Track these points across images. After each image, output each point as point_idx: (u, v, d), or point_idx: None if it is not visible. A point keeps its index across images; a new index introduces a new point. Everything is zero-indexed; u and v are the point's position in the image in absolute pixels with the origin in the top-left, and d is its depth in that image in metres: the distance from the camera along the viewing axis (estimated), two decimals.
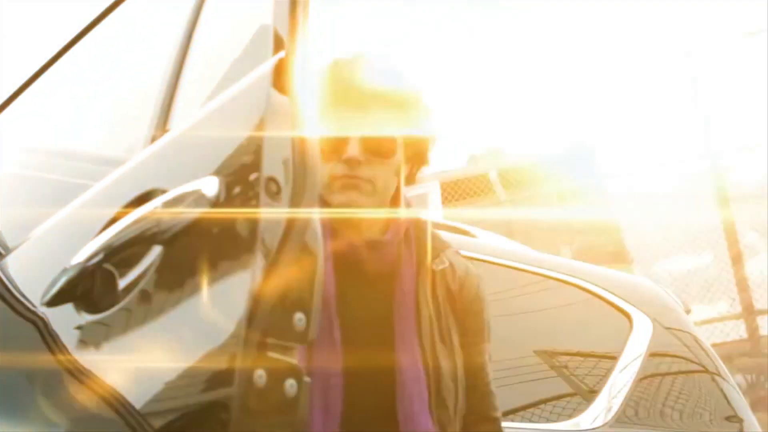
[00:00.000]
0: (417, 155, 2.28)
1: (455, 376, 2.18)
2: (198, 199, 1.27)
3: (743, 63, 10.16)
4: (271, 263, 1.16)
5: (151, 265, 1.33)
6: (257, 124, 1.27)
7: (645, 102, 10.63)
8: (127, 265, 1.37)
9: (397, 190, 2.28)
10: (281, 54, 1.32)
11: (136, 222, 1.36)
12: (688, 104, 9.57)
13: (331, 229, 2.14)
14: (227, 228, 1.27)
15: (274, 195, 1.19)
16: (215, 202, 1.25)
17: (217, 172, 1.30)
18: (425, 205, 8.81)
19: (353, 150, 2.12)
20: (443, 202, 9.87)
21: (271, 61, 1.32)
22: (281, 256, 1.17)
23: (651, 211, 9.86)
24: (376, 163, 2.15)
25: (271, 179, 1.19)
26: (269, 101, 1.27)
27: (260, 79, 1.31)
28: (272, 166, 1.21)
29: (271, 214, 1.18)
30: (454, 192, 10.42)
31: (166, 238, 1.30)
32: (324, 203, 2.17)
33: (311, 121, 1.27)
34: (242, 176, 1.27)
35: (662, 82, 10.43)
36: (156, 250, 1.33)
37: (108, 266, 1.39)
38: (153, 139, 1.70)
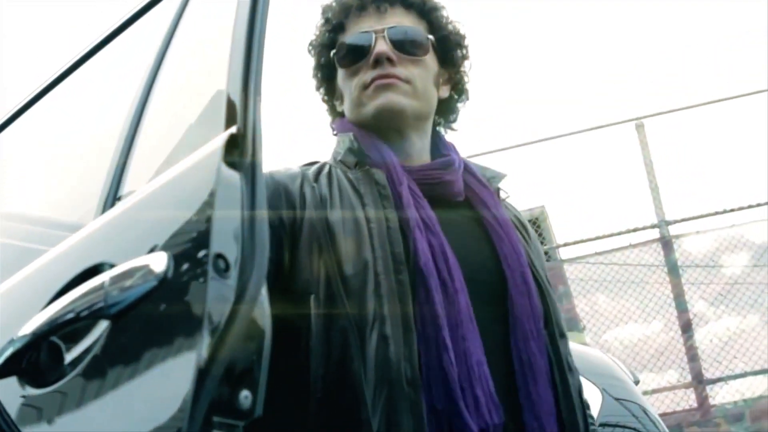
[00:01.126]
0: (452, 74, 2.05)
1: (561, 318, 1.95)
2: (146, 274, 1.27)
3: (693, 134, 10.34)
4: (218, 340, 1.16)
5: (98, 340, 1.32)
6: (207, 199, 1.28)
7: (597, 171, 10.77)
8: (74, 338, 1.36)
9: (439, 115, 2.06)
10: (233, 129, 1.33)
11: (84, 295, 1.35)
12: (640, 174, 9.70)
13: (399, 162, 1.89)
14: (175, 304, 1.26)
15: (222, 272, 1.19)
16: (163, 278, 1.25)
17: (166, 248, 1.30)
18: None
19: (381, 46, 1.91)
20: None
21: (223, 135, 1.33)
22: (228, 333, 1.17)
23: (603, 279, 9.93)
24: (409, 62, 1.92)
25: (220, 256, 1.20)
26: (220, 176, 1.28)
27: (211, 154, 1.32)
28: (221, 242, 1.21)
29: (218, 290, 1.18)
30: None
31: (114, 312, 1.30)
32: (360, 129, 1.94)
33: (261, 197, 1.28)
34: (191, 252, 1.27)
35: (614, 152, 10.58)
36: (103, 325, 1.33)
37: (55, 339, 1.38)
38: (104, 209, 1.70)
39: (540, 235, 10.75)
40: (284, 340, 1.50)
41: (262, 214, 1.26)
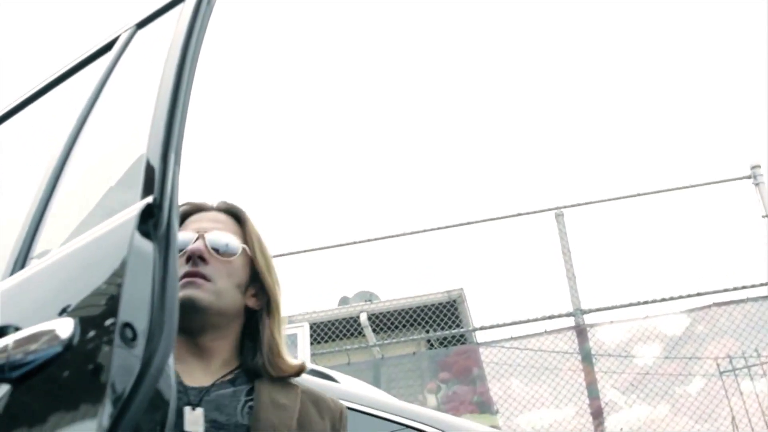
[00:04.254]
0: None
1: None
2: (51, 339, 1.25)
3: (610, 225, 10.53)
4: (121, 410, 1.15)
5: None
6: (118, 267, 1.27)
7: (516, 258, 10.88)
8: None
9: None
10: (149, 198, 1.33)
11: None
12: (558, 263, 9.82)
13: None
14: (79, 371, 1.25)
15: (129, 341, 1.18)
16: (69, 344, 1.24)
17: (73, 314, 1.29)
18: (294, 346, 8.76)
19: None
20: (312, 343, 9.83)
21: (139, 204, 1.33)
22: (131, 403, 1.15)
23: (517, 363, 9.97)
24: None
25: (128, 325, 1.19)
26: (132, 245, 1.27)
27: (126, 222, 1.32)
28: (129, 311, 1.20)
29: (124, 360, 1.17)
30: (324, 334, 10.41)
31: (16, 377, 1.28)
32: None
33: (174, 267, 1.27)
34: (98, 320, 1.26)
35: (533, 238, 10.71)
36: (4, 389, 1.30)
37: None
38: (15, 268, 1.67)
39: (457, 317, 10.80)
40: None
41: (174, 284, 1.25)
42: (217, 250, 2.06)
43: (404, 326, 10.41)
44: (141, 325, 1.20)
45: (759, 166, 9.39)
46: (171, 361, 1.24)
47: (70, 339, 1.24)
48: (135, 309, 1.21)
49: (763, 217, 9.17)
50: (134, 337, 1.19)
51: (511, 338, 10.04)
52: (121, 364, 1.17)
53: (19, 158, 2.40)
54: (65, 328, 1.25)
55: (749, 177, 9.43)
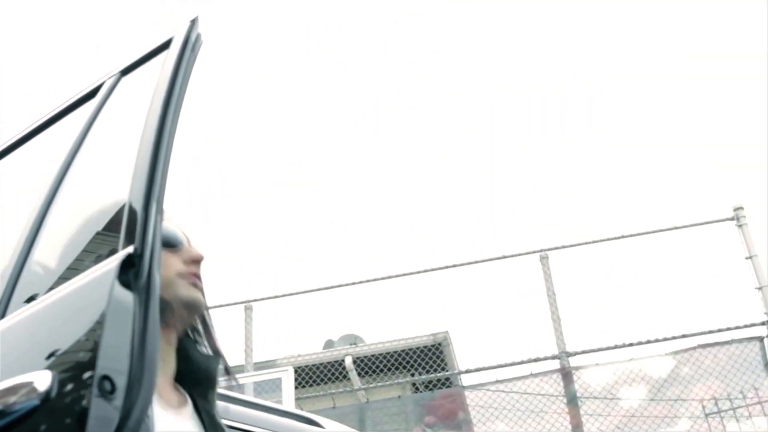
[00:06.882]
0: None
1: None
2: (29, 392, 1.24)
3: (595, 268, 10.55)
4: None
5: None
6: (98, 319, 1.26)
7: (501, 300, 10.88)
8: None
9: None
10: (130, 248, 1.32)
11: None
12: (543, 305, 9.82)
13: None
14: (57, 424, 1.23)
15: (107, 394, 1.17)
16: (46, 397, 1.22)
17: (52, 366, 1.27)
18: (278, 390, 8.71)
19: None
20: (297, 387, 9.78)
21: (120, 255, 1.32)
22: None
23: (503, 406, 9.94)
24: None
25: (106, 378, 1.18)
26: (112, 296, 1.26)
27: (106, 273, 1.31)
28: (108, 363, 1.19)
29: (102, 412, 1.16)
30: (309, 377, 10.35)
31: None
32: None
33: (154, 318, 1.26)
34: (77, 372, 1.25)
35: (518, 281, 10.72)
36: None
37: None
38: None
39: (442, 360, 10.77)
40: None
41: (154, 335, 1.24)
42: None
43: (389, 370, 10.37)
44: (120, 377, 1.18)
45: (742, 208, 9.42)
46: (150, 412, 1.23)
47: (48, 392, 1.23)
48: (114, 361, 1.20)
49: (746, 258, 9.20)
50: (113, 390, 1.18)
51: (497, 381, 10.01)
52: (100, 417, 1.16)
53: (2, 204, 2.39)
54: (43, 380, 1.24)
55: (732, 219, 9.46)
